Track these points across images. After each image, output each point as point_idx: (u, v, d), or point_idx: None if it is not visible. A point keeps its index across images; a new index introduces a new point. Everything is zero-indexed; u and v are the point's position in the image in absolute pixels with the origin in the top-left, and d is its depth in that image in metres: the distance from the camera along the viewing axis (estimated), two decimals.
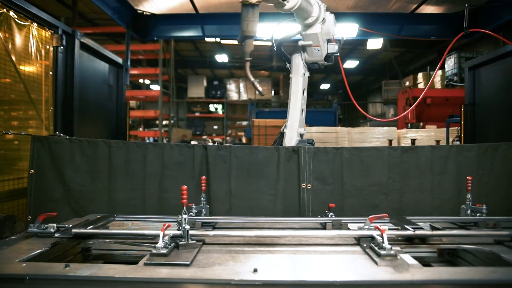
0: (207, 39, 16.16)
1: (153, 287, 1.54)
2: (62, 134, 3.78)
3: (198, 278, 1.56)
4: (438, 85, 14.29)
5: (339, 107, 22.73)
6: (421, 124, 11.63)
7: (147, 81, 18.77)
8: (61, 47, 4.08)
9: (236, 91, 21.56)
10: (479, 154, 3.13)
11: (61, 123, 4.16)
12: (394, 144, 8.89)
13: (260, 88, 3.34)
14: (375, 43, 14.93)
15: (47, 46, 3.95)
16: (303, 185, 3.08)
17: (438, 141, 8.62)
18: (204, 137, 20.83)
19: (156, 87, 14.34)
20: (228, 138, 20.59)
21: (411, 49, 16.05)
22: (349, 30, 6.26)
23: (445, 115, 9.28)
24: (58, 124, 4.11)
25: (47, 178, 3.14)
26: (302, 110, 3.58)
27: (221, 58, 18.53)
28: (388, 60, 17.57)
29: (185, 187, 1.98)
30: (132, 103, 19.94)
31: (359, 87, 23.75)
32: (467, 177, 2.59)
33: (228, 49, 17.32)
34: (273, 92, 21.35)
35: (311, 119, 13.37)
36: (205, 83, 20.92)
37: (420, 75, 15.60)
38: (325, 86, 24.12)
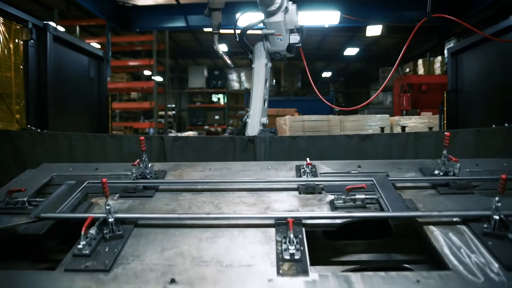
0: (205, 29, 16.19)
1: None
2: (33, 128, 3.85)
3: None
4: (438, 71, 14.13)
5: (340, 95, 22.63)
6: (418, 110, 11.55)
7: (148, 73, 18.82)
8: (31, 41, 4.11)
9: (237, 80, 21.54)
10: (437, 141, 3.12)
11: (35, 116, 4.21)
12: (387, 131, 8.84)
13: (229, 61, 3.44)
14: (374, 30, 14.72)
15: (17, 40, 3.99)
16: None
17: (430, 128, 8.55)
18: (206, 127, 20.90)
19: (157, 78, 14.36)
20: (229, 128, 20.62)
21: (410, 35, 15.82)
22: (331, 17, 6.20)
23: (440, 102, 9.19)
24: (31, 118, 4.16)
25: (10, 172, 3.19)
26: (265, 100, 3.59)
27: (221, 47, 18.45)
28: (389, 47, 17.38)
29: (105, 179, 1.85)
30: (134, 94, 20.05)
31: (360, 74, 23.55)
32: (446, 133, 2.42)
33: (228, 38, 17.24)
34: (274, 81, 21.27)
35: (307, 108, 13.40)
36: (205, 73, 20.93)
37: (420, 61, 15.43)
38: (326, 74, 23.98)
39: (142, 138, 2.49)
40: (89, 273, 1.58)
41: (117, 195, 2.25)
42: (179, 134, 8.90)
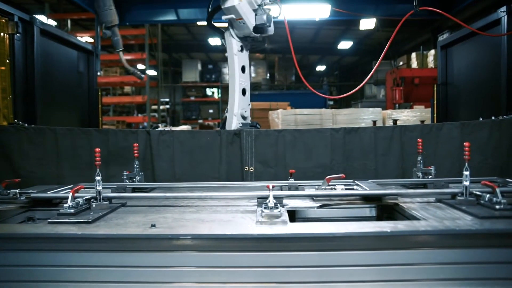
0: (198, 23, 16.11)
1: (45, 242, 1.59)
2: (21, 123, 3.82)
3: (87, 232, 1.59)
4: (431, 64, 14.16)
5: (334, 88, 22.63)
6: (411, 104, 11.58)
7: (141, 66, 18.71)
8: (18, 35, 4.07)
9: None
10: (423, 134, 3.13)
11: (22, 111, 4.17)
12: (379, 125, 8.86)
13: (138, 72, 3.53)
14: (367, 23, 14.71)
15: (2, 34, 3.95)
16: (246, 168, 3.11)
17: (422, 121, 8.56)
18: (200, 121, 20.83)
19: (150, 72, 14.30)
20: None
21: (403, 29, 15.82)
22: (321, 10, 6.18)
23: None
24: (19, 113, 4.12)
25: None
26: (244, 90, 3.55)
27: (215, 41, 18.39)
28: (382, 40, 17.37)
29: (98, 149, 2.02)
30: (127, 88, 19.93)
31: (355, 68, 23.53)
32: (418, 140, 2.59)
33: (221, 32, 17.17)
34: (268, 75, 21.22)
35: (300, 102, 13.37)
36: (199, 67, 20.81)
37: (413, 54, 15.45)
38: (320, 68, 23.94)
39: (136, 144, 2.57)
40: (72, 224, 1.69)
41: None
42: (166, 128, 8.85)
